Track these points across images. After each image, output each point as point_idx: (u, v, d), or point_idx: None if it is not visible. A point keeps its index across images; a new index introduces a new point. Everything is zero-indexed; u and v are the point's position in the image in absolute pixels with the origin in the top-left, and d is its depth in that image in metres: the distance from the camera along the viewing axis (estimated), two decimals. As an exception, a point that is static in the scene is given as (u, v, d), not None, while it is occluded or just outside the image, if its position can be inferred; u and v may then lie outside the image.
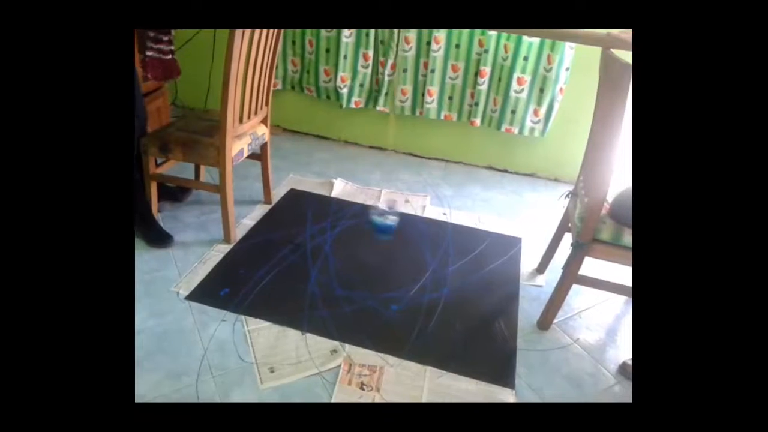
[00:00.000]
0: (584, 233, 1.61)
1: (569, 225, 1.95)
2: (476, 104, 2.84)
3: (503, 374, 1.60)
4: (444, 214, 2.54)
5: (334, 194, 2.61)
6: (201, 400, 1.41)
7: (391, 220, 2.28)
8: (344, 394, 1.47)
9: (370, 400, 1.46)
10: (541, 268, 2.16)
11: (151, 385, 1.44)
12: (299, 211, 2.41)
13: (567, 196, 1.98)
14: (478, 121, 2.88)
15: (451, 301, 1.90)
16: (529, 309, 1.92)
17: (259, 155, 2.33)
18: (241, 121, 1.95)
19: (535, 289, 2.06)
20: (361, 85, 2.97)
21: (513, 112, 2.80)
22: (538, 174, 3.08)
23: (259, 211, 2.39)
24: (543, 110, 2.78)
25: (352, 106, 3.01)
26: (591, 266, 1.69)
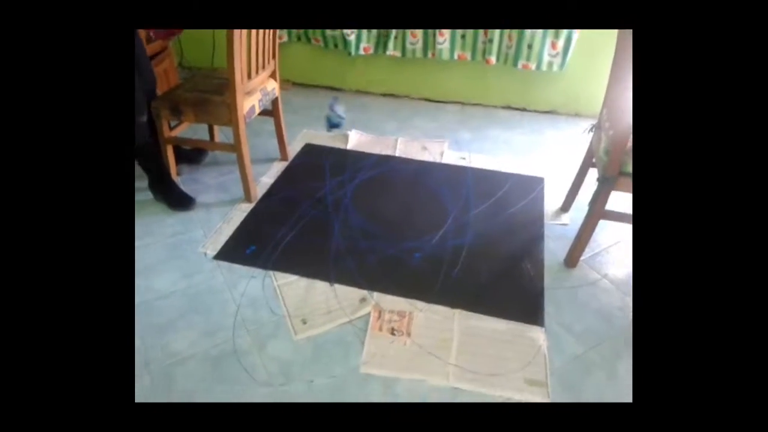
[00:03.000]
0: (610, 167, 1.56)
1: (594, 160, 1.89)
2: (490, 41, 2.72)
3: (532, 313, 1.60)
4: (463, 158, 2.49)
5: (349, 146, 2.57)
6: (238, 354, 1.45)
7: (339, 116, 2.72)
8: (376, 339, 1.50)
9: (401, 345, 1.48)
10: (565, 207, 2.12)
11: (188, 342, 1.49)
12: (317, 166, 2.39)
13: (590, 130, 1.91)
14: (493, 59, 2.76)
15: (476, 245, 1.89)
16: (555, 248, 1.90)
17: (270, 111, 2.29)
18: (249, 76, 1.91)
19: (560, 227, 2.03)
20: (369, 31, 2.86)
21: (529, 46, 2.67)
22: (558, 111, 2.98)
23: (277, 168, 2.38)
24: (561, 43, 2.65)
25: (361, 53, 2.91)
26: (617, 201, 1.65)
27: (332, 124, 2.71)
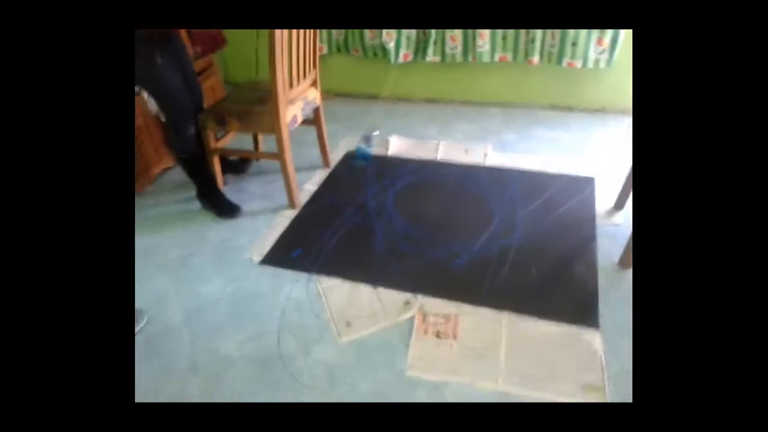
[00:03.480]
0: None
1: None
2: (532, 41, 2.66)
3: (585, 315, 1.52)
4: (508, 160, 2.42)
5: (390, 152, 2.57)
6: (283, 358, 1.45)
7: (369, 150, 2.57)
8: (421, 343, 1.46)
9: (448, 348, 1.44)
10: (618, 206, 2.02)
11: (236, 345, 1.51)
12: (358, 172, 2.39)
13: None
14: (536, 59, 2.70)
15: (523, 246, 1.83)
16: (608, 248, 1.81)
17: (312, 120, 2.32)
18: (291, 86, 1.94)
19: (613, 228, 1.93)
20: (408, 38, 2.86)
21: (574, 44, 2.59)
22: (607, 108, 2.86)
23: (320, 175, 2.40)
24: (608, 39, 2.55)
25: (401, 60, 2.92)
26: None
27: (360, 156, 2.54)
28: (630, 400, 1.28)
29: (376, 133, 2.72)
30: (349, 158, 2.54)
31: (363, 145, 2.59)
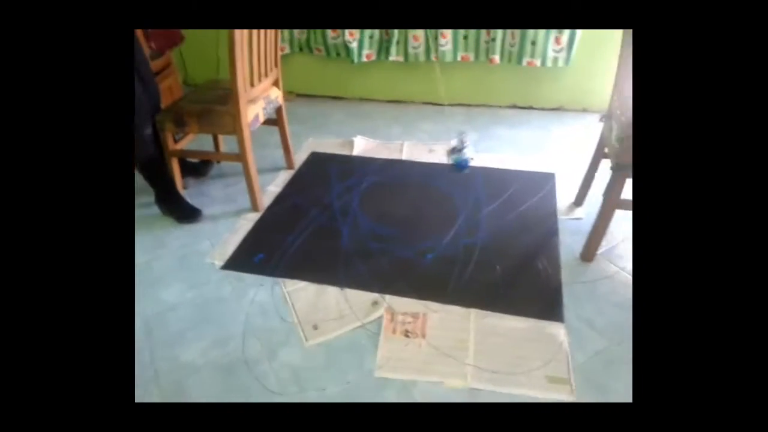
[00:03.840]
0: (624, 154, 1.51)
1: (606, 150, 1.84)
2: (493, 40, 2.70)
3: (551, 309, 1.55)
4: (471, 159, 2.45)
5: (355, 153, 2.55)
6: (249, 363, 1.42)
7: (466, 155, 2.37)
8: (390, 343, 1.45)
9: (416, 347, 1.43)
10: (578, 201, 2.07)
11: (199, 352, 1.46)
12: (323, 173, 2.37)
13: (601, 120, 1.87)
14: (497, 58, 2.74)
15: (488, 243, 1.85)
16: (570, 243, 1.85)
17: (275, 120, 2.28)
18: (252, 84, 1.90)
19: (574, 222, 1.98)
20: (371, 37, 2.86)
21: (533, 43, 2.65)
22: (565, 107, 2.94)
23: (283, 177, 2.36)
24: (565, 38, 2.62)
25: (364, 59, 2.91)
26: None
27: (460, 166, 2.37)
28: (594, 391, 1.31)
29: (465, 135, 2.45)
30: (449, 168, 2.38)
31: (457, 156, 2.38)
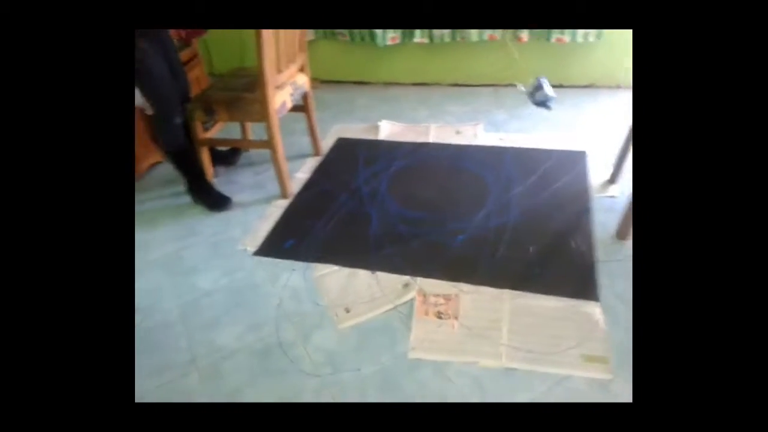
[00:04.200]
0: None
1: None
2: (520, 17, 2.62)
3: (585, 288, 1.51)
4: (500, 139, 2.40)
5: (381, 137, 2.53)
6: (283, 346, 1.43)
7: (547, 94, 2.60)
8: (423, 324, 1.45)
9: (449, 328, 1.43)
10: (613, 179, 2.01)
11: (234, 337, 1.48)
12: (350, 159, 2.36)
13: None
14: (525, 36, 2.67)
15: (520, 223, 1.81)
16: (605, 221, 1.80)
17: (302, 107, 2.28)
18: (279, 70, 1.90)
19: (608, 200, 1.92)
20: (394, 20, 2.82)
21: (561, 18, 2.56)
22: (597, 84, 2.84)
23: (311, 163, 2.36)
24: (595, 11, 2.52)
25: (389, 43, 2.87)
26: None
27: (538, 102, 2.65)
28: (632, 368, 1.28)
29: (541, 77, 2.70)
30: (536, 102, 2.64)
31: (539, 94, 2.62)
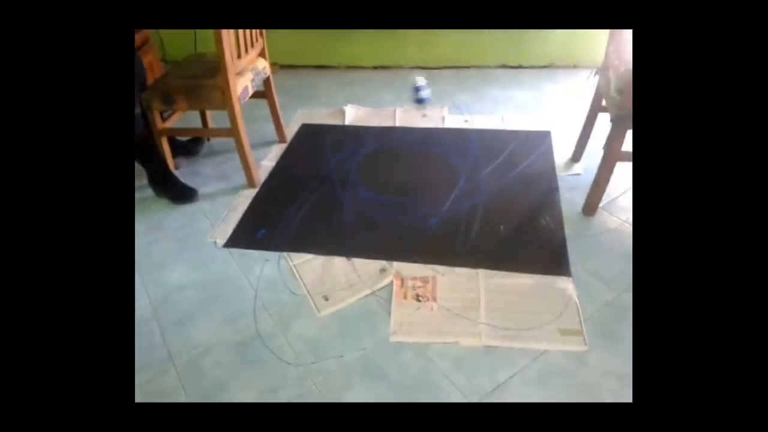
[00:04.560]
0: (624, 104, 1.50)
1: (603, 104, 1.83)
2: None
3: (557, 264, 1.56)
4: (465, 121, 2.43)
5: (347, 122, 2.51)
6: (263, 338, 1.42)
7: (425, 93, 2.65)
8: (402, 308, 1.46)
9: (428, 310, 1.44)
10: (576, 157, 2.07)
11: (211, 332, 1.45)
12: (317, 145, 2.33)
13: (595, 74, 1.85)
14: (484, 17, 2.68)
15: (490, 204, 1.85)
16: (571, 198, 1.86)
17: (263, 92, 2.22)
18: (239, 56, 1.84)
19: (573, 178, 1.98)
20: (354, 2, 2.77)
21: None
22: (555, 64, 2.91)
23: (276, 150, 2.31)
24: (552, -8, 2.57)
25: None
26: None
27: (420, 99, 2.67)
28: (606, 339, 1.33)
29: (423, 82, 2.73)
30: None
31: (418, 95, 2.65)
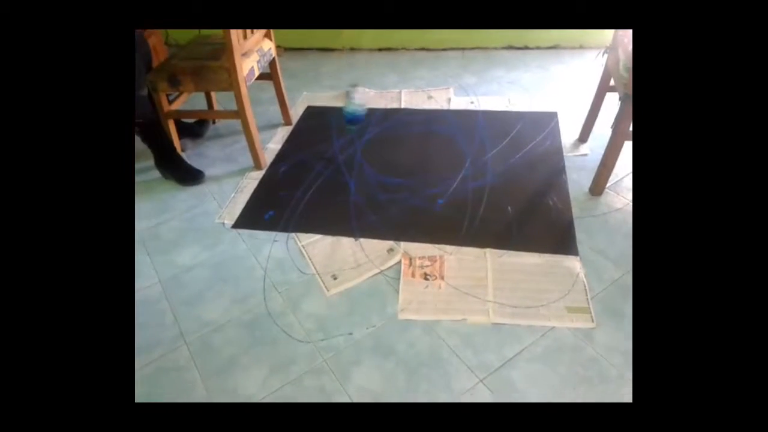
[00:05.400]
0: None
1: (612, 83, 1.82)
2: (486, -22, 2.60)
3: (564, 243, 1.57)
4: (471, 102, 2.42)
5: (353, 104, 2.50)
6: (273, 316, 1.43)
7: (361, 109, 2.30)
8: (410, 286, 1.47)
9: (436, 289, 1.46)
10: (583, 137, 2.06)
11: (221, 311, 1.47)
12: (322, 127, 2.32)
13: (604, 53, 1.83)
14: (490, -3, 2.65)
15: (497, 185, 1.85)
16: (578, 179, 1.86)
17: (269, 74, 2.21)
18: (245, 37, 1.83)
19: (580, 159, 1.98)
20: (359, -17, 2.74)
21: (527, -21, 2.56)
22: (561, 45, 2.88)
23: (282, 133, 2.31)
24: (559, -29, 2.54)
25: (353, 7, 2.80)
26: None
27: (350, 119, 2.31)
28: (613, 316, 1.35)
29: (358, 88, 2.41)
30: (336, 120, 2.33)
31: (350, 107, 2.29)
